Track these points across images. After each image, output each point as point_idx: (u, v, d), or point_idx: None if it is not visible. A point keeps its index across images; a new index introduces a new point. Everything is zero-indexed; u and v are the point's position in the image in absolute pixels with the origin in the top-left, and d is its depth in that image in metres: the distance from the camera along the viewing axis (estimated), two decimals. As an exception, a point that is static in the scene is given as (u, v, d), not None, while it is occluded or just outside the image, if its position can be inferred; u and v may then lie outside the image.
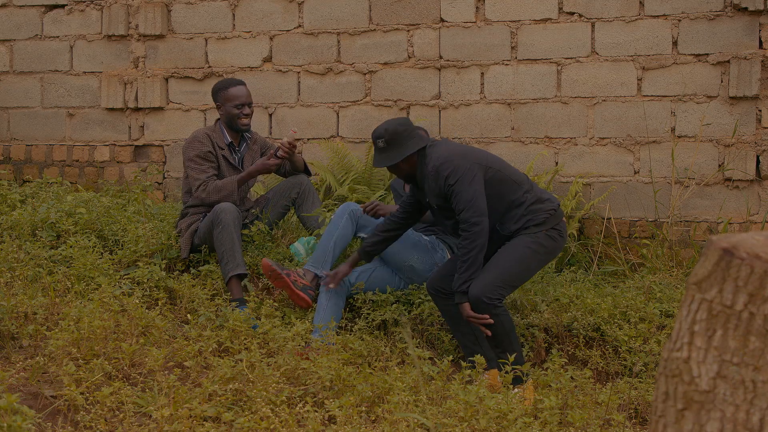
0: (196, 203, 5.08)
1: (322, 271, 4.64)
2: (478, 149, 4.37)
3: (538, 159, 5.96)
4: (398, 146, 4.18)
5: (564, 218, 4.29)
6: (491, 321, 3.98)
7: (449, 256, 4.70)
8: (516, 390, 3.79)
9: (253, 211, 5.28)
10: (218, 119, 5.23)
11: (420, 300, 4.72)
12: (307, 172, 5.37)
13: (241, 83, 5.20)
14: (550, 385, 3.78)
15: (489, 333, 4.01)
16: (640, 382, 4.09)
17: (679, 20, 5.75)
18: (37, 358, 3.60)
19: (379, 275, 4.76)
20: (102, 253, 5.01)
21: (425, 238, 4.77)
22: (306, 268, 4.68)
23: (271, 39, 6.53)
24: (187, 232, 5.02)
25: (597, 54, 5.90)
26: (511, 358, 3.78)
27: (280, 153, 5.04)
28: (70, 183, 6.75)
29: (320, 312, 4.55)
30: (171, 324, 4.31)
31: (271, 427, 3.17)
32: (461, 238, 4.03)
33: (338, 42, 6.40)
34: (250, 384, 3.52)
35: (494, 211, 4.11)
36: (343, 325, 4.60)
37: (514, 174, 4.24)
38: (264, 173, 5.15)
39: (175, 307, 4.62)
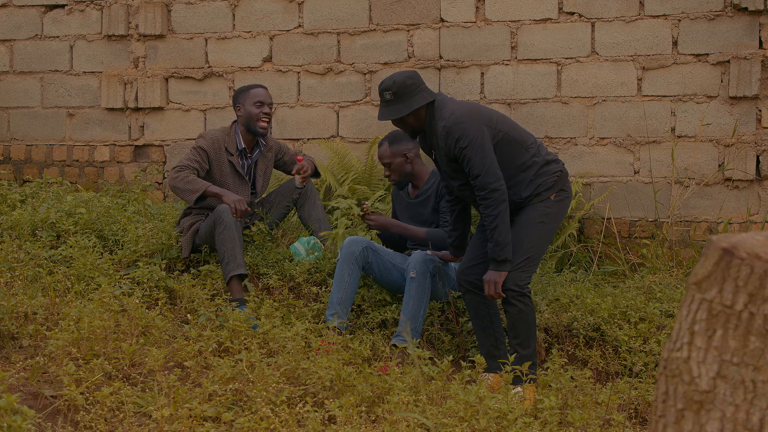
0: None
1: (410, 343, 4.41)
2: (486, 108, 4.27)
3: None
4: (406, 99, 4.07)
5: (569, 177, 4.26)
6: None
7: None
8: (516, 389, 3.79)
9: (256, 210, 5.28)
10: (235, 122, 5.23)
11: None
12: (316, 175, 5.41)
13: (263, 86, 5.24)
14: (550, 385, 3.78)
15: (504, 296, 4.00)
16: (640, 382, 4.08)
17: (679, 20, 5.75)
18: (37, 358, 3.60)
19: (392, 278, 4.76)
20: (102, 253, 5.01)
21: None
22: (396, 344, 4.40)
23: (271, 39, 6.53)
24: (189, 232, 5.02)
25: (597, 54, 5.90)
26: (511, 358, 3.78)
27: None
28: (70, 183, 6.75)
29: (342, 288, 4.49)
30: (171, 324, 4.31)
31: (271, 427, 3.17)
32: (482, 206, 3.96)
33: (338, 42, 6.40)
34: (250, 384, 3.52)
35: (503, 176, 4.03)
36: (344, 325, 4.59)
37: (521, 135, 4.16)
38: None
39: (175, 307, 4.62)
